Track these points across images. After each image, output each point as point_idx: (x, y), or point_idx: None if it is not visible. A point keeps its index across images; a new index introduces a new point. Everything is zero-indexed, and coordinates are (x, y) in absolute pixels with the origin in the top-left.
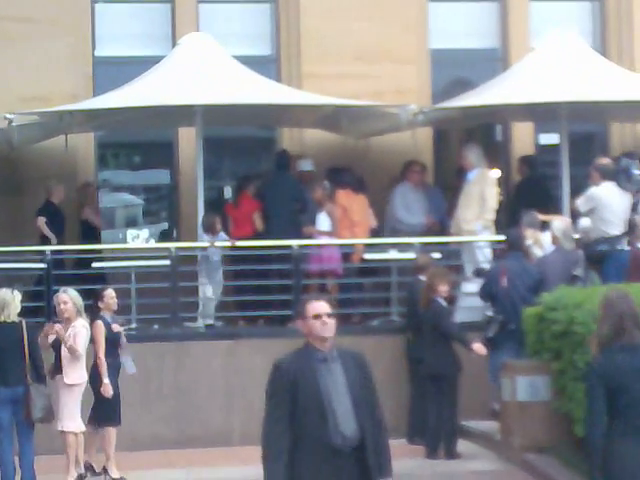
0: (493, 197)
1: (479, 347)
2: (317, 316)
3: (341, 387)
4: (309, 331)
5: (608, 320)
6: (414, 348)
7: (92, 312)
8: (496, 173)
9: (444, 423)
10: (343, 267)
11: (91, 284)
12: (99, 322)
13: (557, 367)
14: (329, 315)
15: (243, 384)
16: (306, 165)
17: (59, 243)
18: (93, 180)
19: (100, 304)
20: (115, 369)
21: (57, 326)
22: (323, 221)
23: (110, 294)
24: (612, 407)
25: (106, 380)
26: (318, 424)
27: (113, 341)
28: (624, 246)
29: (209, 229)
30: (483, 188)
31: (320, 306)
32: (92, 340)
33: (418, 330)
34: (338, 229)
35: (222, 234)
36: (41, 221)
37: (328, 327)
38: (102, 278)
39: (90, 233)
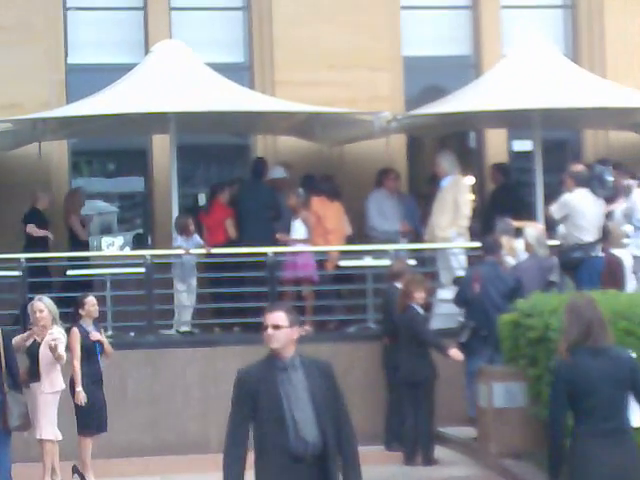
0: (466, 204)
1: (455, 352)
2: (267, 327)
3: (302, 395)
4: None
5: (576, 325)
6: (390, 355)
7: (72, 319)
8: (470, 180)
9: (421, 429)
10: (319, 274)
11: (73, 291)
12: (75, 330)
13: (533, 373)
14: (277, 326)
15: (219, 391)
16: (277, 172)
17: (44, 251)
18: (80, 187)
19: (81, 311)
20: (92, 377)
21: (54, 340)
22: (298, 228)
23: (91, 301)
24: (579, 409)
25: (79, 388)
26: (279, 432)
27: (90, 349)
28: (598, 252)
29: (183, 230)
30: (456, 195)
31: (270, 317)
32: (68, 348)
33: (394, 337)
34: (313, 236)
35: (196, 236)
36: (31, 227)
37: (274, 338)
38: (88, 285)
39: (76, 240)
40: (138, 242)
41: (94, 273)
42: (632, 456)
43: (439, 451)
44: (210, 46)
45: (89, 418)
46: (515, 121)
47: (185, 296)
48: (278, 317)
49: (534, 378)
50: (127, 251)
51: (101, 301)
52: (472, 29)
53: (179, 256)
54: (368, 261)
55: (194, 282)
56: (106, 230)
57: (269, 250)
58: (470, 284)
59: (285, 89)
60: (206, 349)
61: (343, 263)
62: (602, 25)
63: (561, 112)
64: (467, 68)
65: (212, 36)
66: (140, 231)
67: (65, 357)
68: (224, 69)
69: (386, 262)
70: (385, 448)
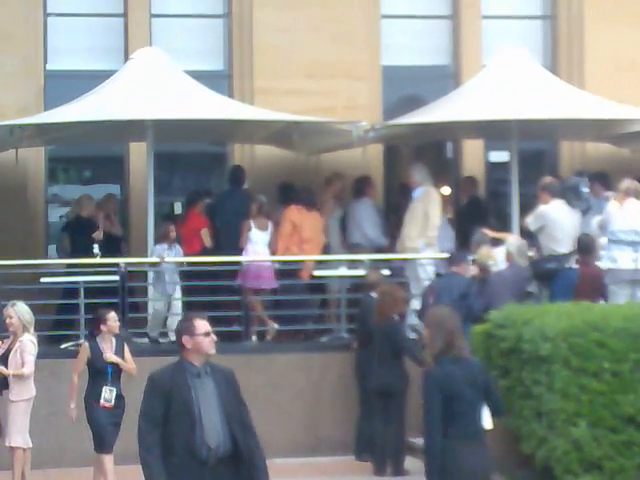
0: (436, 215)
1: None
2: (207, 333)
3: (213, 401)
4: (196, 347)
5: (440, 335)
6: (362, 365)
7: (89, 333)
8: (445, 190)
9: (392, 440)
10: (290, 284)
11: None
12: (85, 345)
13: (505, 384)
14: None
15: None
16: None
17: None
18: (113, 194)
19: (103, 327)
20: (96, 397)
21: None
22: (254, 236)
23: (114, 317)
24: (447, 414)
25: (72, 405)
26: (187, 436)
27: (98, 369)
28: (573, 264)
29: (164, 237)
30: (427, 206)
31: (204, 324)
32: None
33: (367, 347)
34: (288, 245)
35: (177, 245)
36: (97, 234)
37: (213, 344)
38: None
39: (112, 244)
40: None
41: (68, 280)
42: (489, 456)
43: (409, 462)
44: (190, 54)
45: (99, 436)
46: (492, 132)
47: (160, 304)
48: (208, 325)
49: (506, 389)
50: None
51: (74, 309)
52: (452, 39)
53: (158, 265)
54: (343, 271)
55: (170, 291)
56: None
57: (244, 259)
58: (427, 296)
59: (264, 98)
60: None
61: (318, 273)
62: (581, 36)
63: (538, 123)
64: (446, 78)
65: (192, 44)
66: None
67: (29, 369)
68: (203, 77)
69: (361, 272)
70: (355, 458)
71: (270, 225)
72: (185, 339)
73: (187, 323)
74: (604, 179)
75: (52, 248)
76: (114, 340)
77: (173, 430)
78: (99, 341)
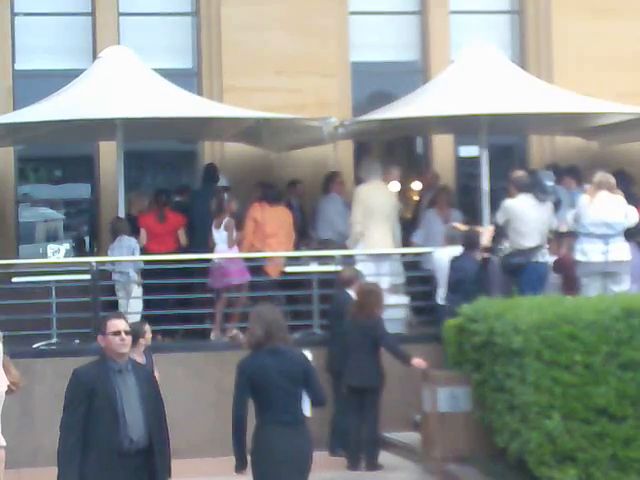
0: (355, 213)
1: (419, 362)
2: (117, 333)
3: (134, 397)
4: (108, 346)
5: (259, 327)
6: (337, 360)
7: None
8: (395, 186)
9: (366, 434)
10: (261, 280)
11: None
12: None
13: (478, 378)
14: (127, 332)
15: (164, 397)
16: (221, 181)
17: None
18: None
19: (142, 340)
20: None
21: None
22: (220, 234)
23: (149, 329)
24: (260, 402)
25: None
26: (110, 430)
27: None
28: (539, 258)
29: (120, 231)
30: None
31: (119, 323)
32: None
33: (342, 342)
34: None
35: (133, 240)
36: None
37: (125, 343)
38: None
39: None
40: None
41: (39, 280)
42: (306, 441)
43: (383, 456)
44: (158, 52)
45: None
46: (462, 126)
47: (130, 303)
48: (124, 324)
49: (478, 383)
50: (72, 258)
51: (46, 308)
52: (420, 35)
53: (120, 263)
54: (314, 267)
55: (138, 291)
56: (52, 237)
57: (215, 256)
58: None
59: (233, 95)
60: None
61: (289, 269)
62: (549, 31)
63: (507, 117)
64: (415, 74)
65: (160, 42)
66: (86, 239)
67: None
68: (172, 75)
69: (332, 268)
70: (329, 453)
71: (225, 223)
72: (100, 338)
73: (102, 322)
74: (576, 172)
75: (23, 248)
76: (143, 352)
77: (95, 423)
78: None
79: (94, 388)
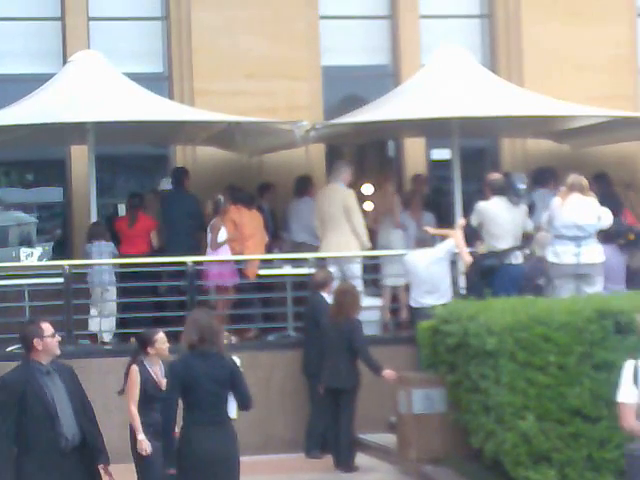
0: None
1: (390, 373)
2: (53, 335)
3: (63, 396)
4: (45, 348)
5: (193, 331)
6: (312, 362)
7: (133, 357)
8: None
9: (341, 436)
10: (240, 282)
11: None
12: (134, 368)
13: (452, 379)
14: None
15: None
16: (165, 184)
17: None
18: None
19: (150, 349)
20: (149, 427)
21: None
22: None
23: (163, 338)
24: (188, 402)
25: (140, 436)
26: (46, 430)
27: (151, 395)
28: (512, 260)
29: (98, 236)
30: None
31: (48, 327)
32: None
33: (317, 345)
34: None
35: (110, 244)
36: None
37: (57, 344)
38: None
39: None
40: (57, 252)
41: (12, 284)
42: (230, 441)
43: (359, 458)
44: (129, 56)
45: (147, 472)
46: (433, 130)
47: (104, 306)
48: (51, 327)
49: (453, 384)
50: (45, 261)
51: (19, 312)
52: (391, 39)
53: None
54: (287, 269)
55: (111, 294)
56: (25, 241)
57: (188, 259)
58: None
59: (204, 99)
60: (125, 359)
61: (262, 272)
62: (519, 34)
63: (479, 121)
64: (386, 77)
65: (131, 46)
66: (59, 242)
67: None
68: (143, 79)
69: (306, 270)
70: (305, 455)
71: (212, 224)
72: (36, 341)
73: (34, 327)
74: (553, 175)
75: None
76: (161, 363)
77: (31, 426)
78: (147, 365)
79: (24, 392)
